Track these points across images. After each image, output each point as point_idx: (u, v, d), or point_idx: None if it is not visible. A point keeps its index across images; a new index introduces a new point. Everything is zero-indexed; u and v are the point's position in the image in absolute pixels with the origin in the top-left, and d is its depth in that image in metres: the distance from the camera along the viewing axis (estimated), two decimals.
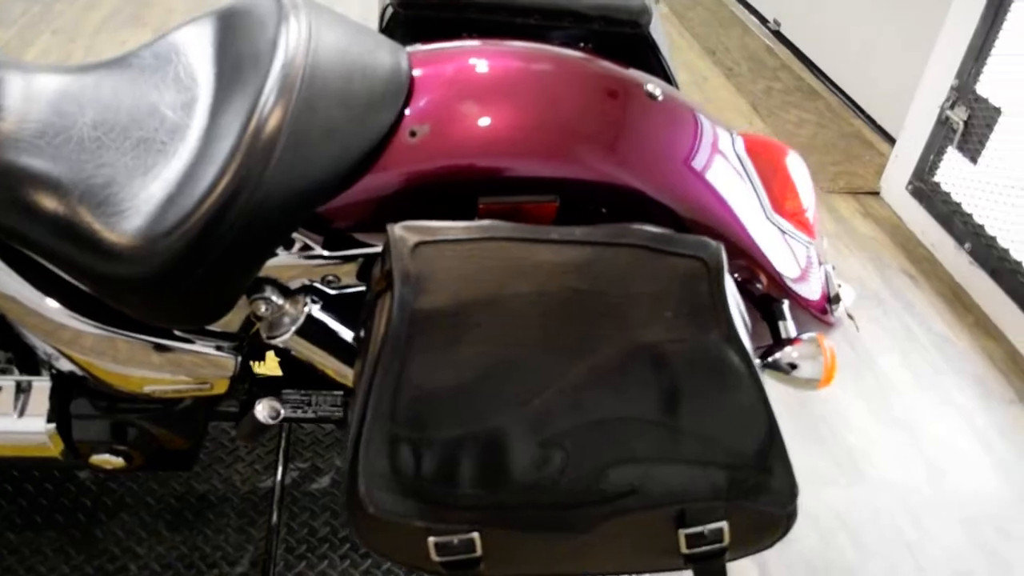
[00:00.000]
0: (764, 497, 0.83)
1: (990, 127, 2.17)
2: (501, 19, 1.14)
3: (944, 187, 2.39)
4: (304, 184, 0.89)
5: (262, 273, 0.97)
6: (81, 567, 1.39)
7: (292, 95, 0.86)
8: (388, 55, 0.97)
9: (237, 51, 0.95)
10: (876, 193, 2.65)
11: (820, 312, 1.30)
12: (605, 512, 0.82)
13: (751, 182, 1.09)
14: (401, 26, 1.16)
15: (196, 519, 1.48)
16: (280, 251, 0.96)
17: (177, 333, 1.06)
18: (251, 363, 1.19)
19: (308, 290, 1.02)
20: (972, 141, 2.24)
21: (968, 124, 2.23)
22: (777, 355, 1.12)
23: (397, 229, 0.85)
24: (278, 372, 1.20)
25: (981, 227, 2.23)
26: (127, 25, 3.29)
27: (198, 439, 1.21)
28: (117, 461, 1.16)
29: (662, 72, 1.21)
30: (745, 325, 0.93)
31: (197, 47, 0.99)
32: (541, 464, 0.81)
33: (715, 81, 3.26)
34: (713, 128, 1.09)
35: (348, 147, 0.91)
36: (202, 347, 1.05)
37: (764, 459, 0.83)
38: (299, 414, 1.18)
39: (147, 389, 1.09)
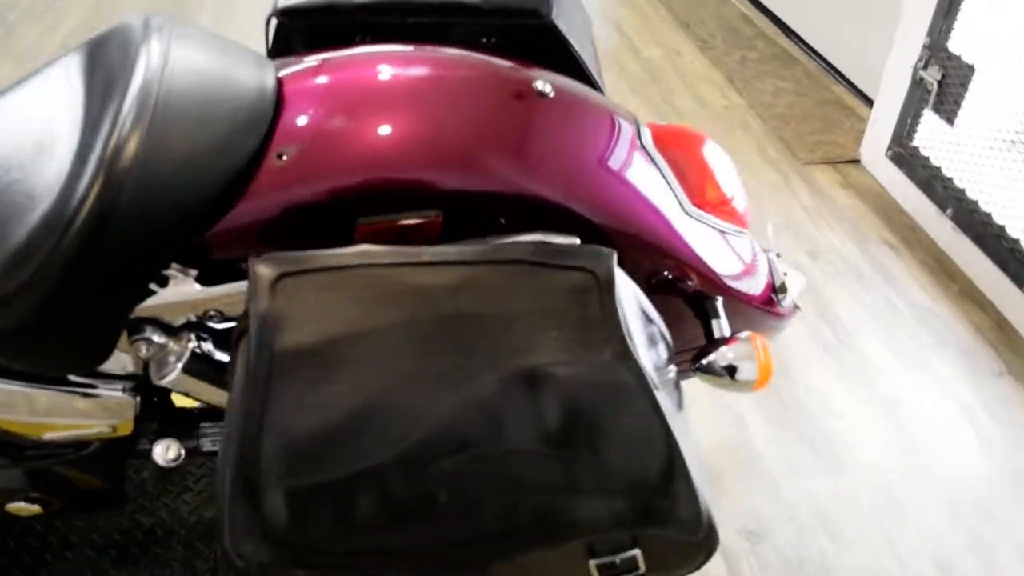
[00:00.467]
0: (671, 525, 0.77)
1: (964, 86, 2.07)
2: (393, 20, 1.07)
3: (923, 151, 2.29)
4: (165, 215, 0.83)
5: (142, 313, 0.92)
6: None
7: (144, 123, 0.81)
8: (253, 73, 0.91)
9: (98, 82, 0.89)
10: (856, 161, 2.56)
11: (765, 304, 1.23)
12: (501, 549, 0.76)
13: (662, 175, 1.01)
14: (291, 36, 1.10)
15: (142, 554, 1.44)
16: (158, 288, 0.91)
17: (74, 378, 1.01)
18: (170, 399, 1.14)
19: (193, 326, 0.96)
20: (948, 102, 2.14)
21: (942, 84, 2.14)
22: (711, 357, 1.05)
23: (258, 263, 0.79)
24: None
25: (962, 191, 2.14)
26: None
27: (116, 479, 1.16)
28: (33, 508, 1.12)
29: (575, 65, 1.13)
30: (651, 338, 0.87)
31: (65, 81, 0.94)
32: (422, 505, 0.75)
33: (689, 55, 3.16)
34: (615, 122, 1.01)
35: (212, 173, 0.85)
36: (101, 390, 1.01)
37: (667, 485, 0.77)
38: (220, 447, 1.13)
39: (47, 436, 1.04)
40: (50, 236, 0.80)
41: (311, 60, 0.98)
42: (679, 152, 1.04)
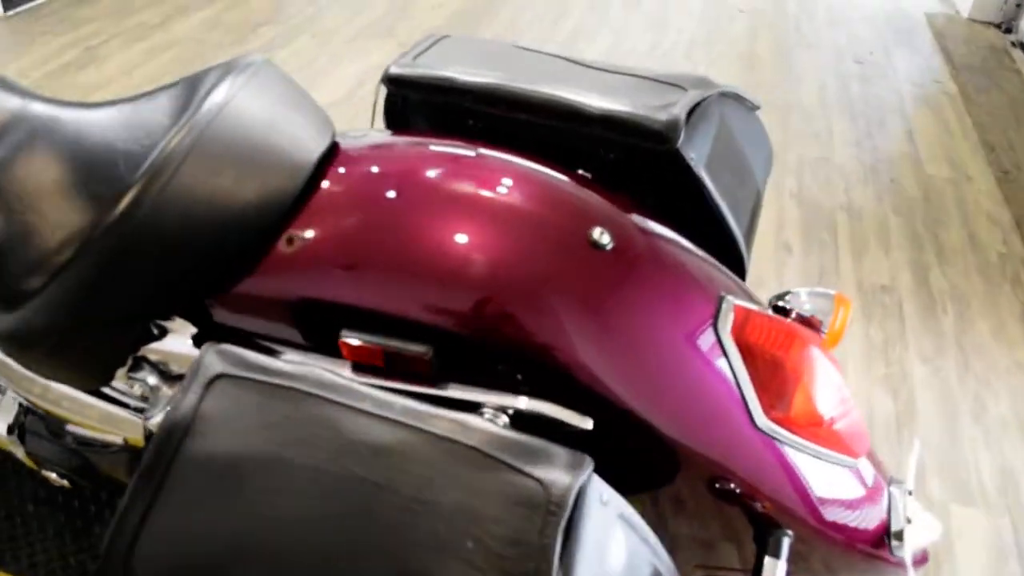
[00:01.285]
0: None
1: None
2: (499, 112, 0.97)
3: None
4: (182, 254, 0.81)
5: (147, 354, 0.91)
6: None
7: (186, 158, 0.79)
8: (305, 138, 0.86)
9: (169, 109, 0.89)
10: None
11: (869, 546, 0.97)
12: None
13: (734, 374, 0.81)
14: (407, 108, 1.04)
15: None
16: (160, 335, 0.89)
17: (104, 390, 1.04)
18: None
19: None
20: None
21: None
22: None
23: (208, 353, 0.74)
24: None
25: None
26: (378, 36, 3.48)
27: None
28: (63, 482, 1.18)
29: (703, 203, 0.96)
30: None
31: (153, 104, 0.96)
32: None
33: (981, 183, 2.70)
34: (686, 296, 0.83)
35: (232, 234, 0.82)
36: (111, 407, 1.03)
37: None
38: None
39: (78, 430, 1.08)
40: (70, 246, 0.81)
41: (374, 138, 0.90)
42: (771, 351, 0.83)
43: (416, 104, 1.03)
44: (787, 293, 1.02)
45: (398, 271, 0.79)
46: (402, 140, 0.91)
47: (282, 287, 0.81)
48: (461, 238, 0.80)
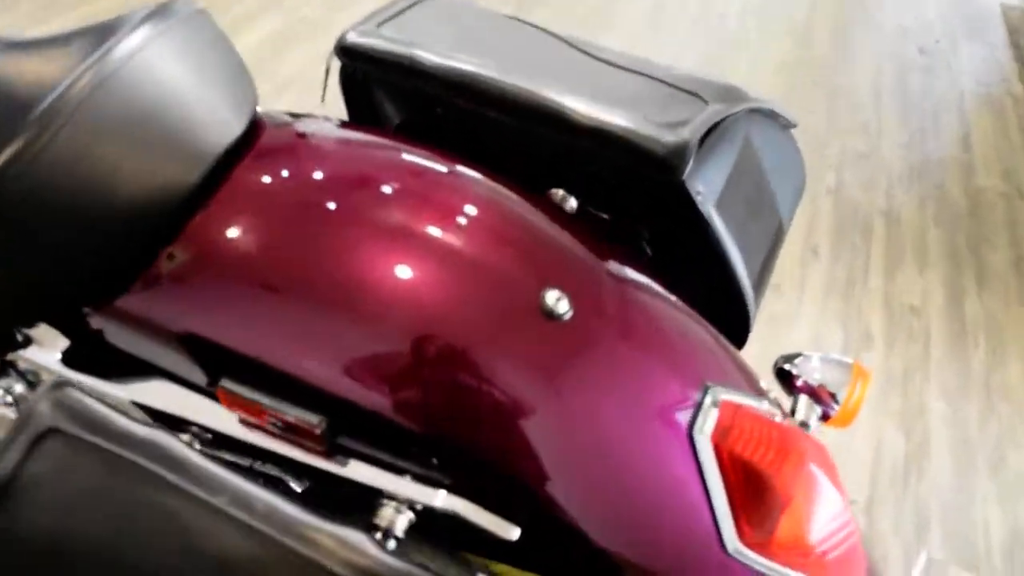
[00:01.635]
0: None
1: None
2: (468, 106, 0.79)
3: None
4: (50, 241, 0.65)
5: (15, 360, 0.75)
6: None
7: (66, 125, 0.62)
8: (212, 120, 0.69)
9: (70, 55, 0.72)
10: None
11: None
12: None
13: (705, 488, 0.65)
14: (362, 81, 0.85)
15: None
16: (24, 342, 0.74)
17: None
18: None
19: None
20: None
21: None
22: None
23: (44, 398, 0.59)
24: None
25: None
26: None
27: None
28: None
29: (706, 241, 0.78)
30: None
31: (66, 52, 0.79)
32: None
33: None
34: (657, 384, 0.66)
35: (110, 224, 0.65)
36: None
37: None
38: None
39: None
40: None
41: (305, 126, 0.73)
42: (758, 466, 0.66)
43: (377, 81, 0.85)
44: (797, 356, 0.86)
45: (294, 316, 0.63)
46: (336, 134, 0.74)
47: (158, 310, 0.66)
48: (380, 281, 0.63)
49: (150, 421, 0.66)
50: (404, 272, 0.63)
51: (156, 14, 0.72)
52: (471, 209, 0.68)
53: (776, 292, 2.05)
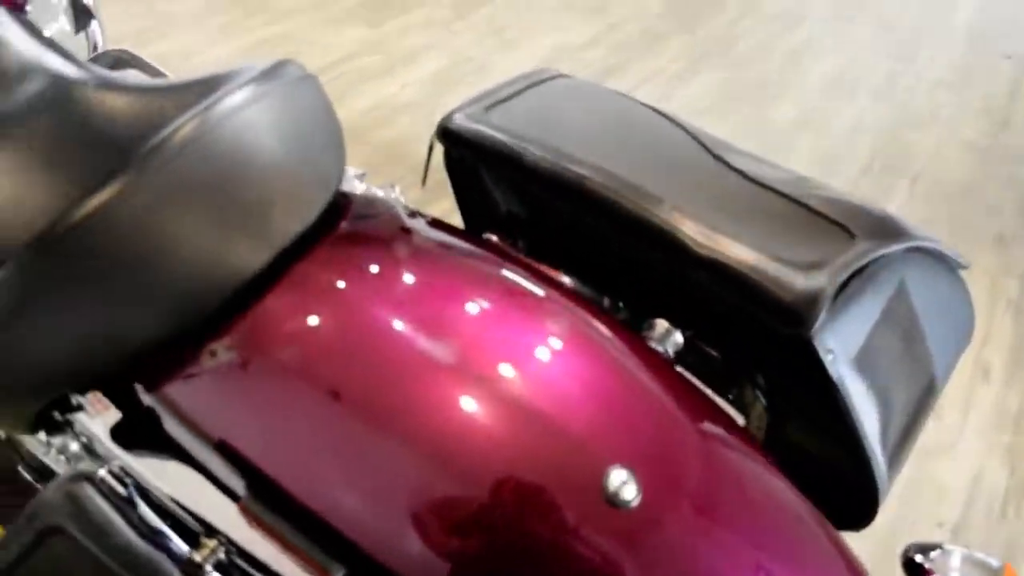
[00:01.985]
0: None
1: None
2: (569, 210, 0.70)
3: None
4: (102, 305, 0.61)
5: (72, 421, 0.73)
6: None
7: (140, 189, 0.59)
8: (295, 199, 0.64)
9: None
10: None
11: None
12: None
13: None
14: (471, 167, 0.78)
15: None
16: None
17: None
18: None
19: None
20: None
21: None
22: None
23: (58, 490, 0.56)
24: None
25: None
26: (585, 10, 3.20)
27: None
28: None
29: (833, 406, 0.65)
30: None
31: (172, 100, 0.77)
32: None
33: None
34: None
35: (173, 293, 0.62)
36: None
37: None
38: None
39: None
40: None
41: (390, 220, 0.66)
42: None
43: (483, 166, 0.78)
44: (935, 548, 0.70)
45: (335, 446, 0.55)
46: (417, 237, 0.67)
47: (198, 403, 0.61)
48: (434, 430, 0.55)
49: (164, 531, 0.61)
50: (463, 423, 0.55)
51: (265, 75, 0.69)
52: (546, 355, 0.59)
53: (933, 416, 1.82)
